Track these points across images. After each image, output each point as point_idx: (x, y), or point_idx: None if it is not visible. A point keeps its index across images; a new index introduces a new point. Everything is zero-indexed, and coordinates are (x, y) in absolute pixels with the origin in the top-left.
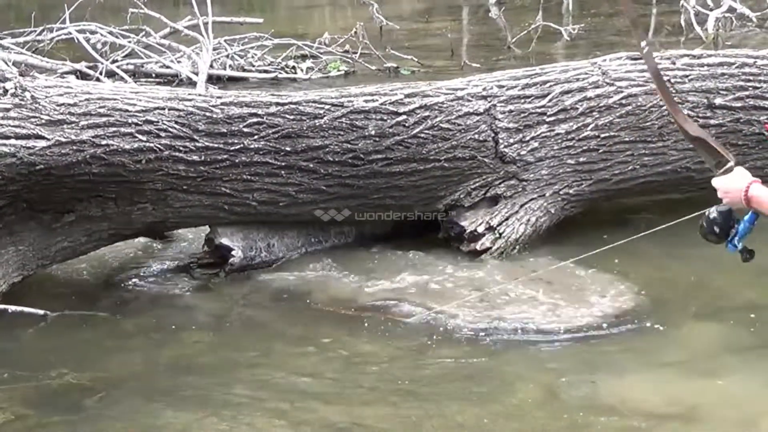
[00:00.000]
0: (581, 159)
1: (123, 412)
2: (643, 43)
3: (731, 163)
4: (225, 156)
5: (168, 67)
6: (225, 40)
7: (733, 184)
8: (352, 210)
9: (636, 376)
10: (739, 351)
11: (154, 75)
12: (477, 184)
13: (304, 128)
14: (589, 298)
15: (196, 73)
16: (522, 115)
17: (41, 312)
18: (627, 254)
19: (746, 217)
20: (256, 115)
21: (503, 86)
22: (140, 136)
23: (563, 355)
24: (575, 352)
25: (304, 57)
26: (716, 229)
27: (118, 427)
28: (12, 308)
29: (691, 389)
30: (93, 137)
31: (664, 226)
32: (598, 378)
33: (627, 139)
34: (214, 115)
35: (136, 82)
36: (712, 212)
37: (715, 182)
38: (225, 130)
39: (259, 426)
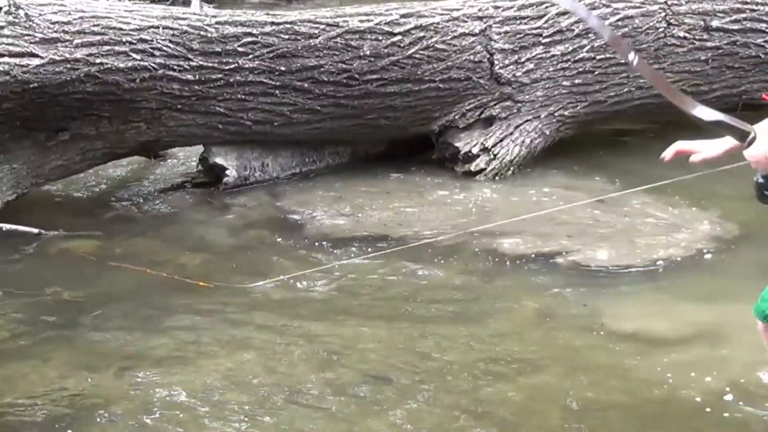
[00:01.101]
0: (576, 81)
1: (117, 330)
2: (631, 56)
3: (752, 134)
4: (219, 75)
5: None
6: None
7: (758, 150)
8: (345, 129)
9: (650, 304)
10: None
11: None
12: (472, 105)
13: (299, 48)
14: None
15: None
16: (517, 36)
17: (35, 230)
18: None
19: None
20: (250, 34)
21: (499, 7)
22: (134, 55)
23: (573, 283)
24: (590, 279)
25: None
26: (766, 192)
27: (113, 345)
28: (6, 226)
29: (710, 316)
30: (87, 56)
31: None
32: (601, 303)
33: (623, 61)
34: (209, 34)
35: (130, 0)
36: (759, 178)
37: (745, 154)
38: (219, 50)
39: (253, 345)
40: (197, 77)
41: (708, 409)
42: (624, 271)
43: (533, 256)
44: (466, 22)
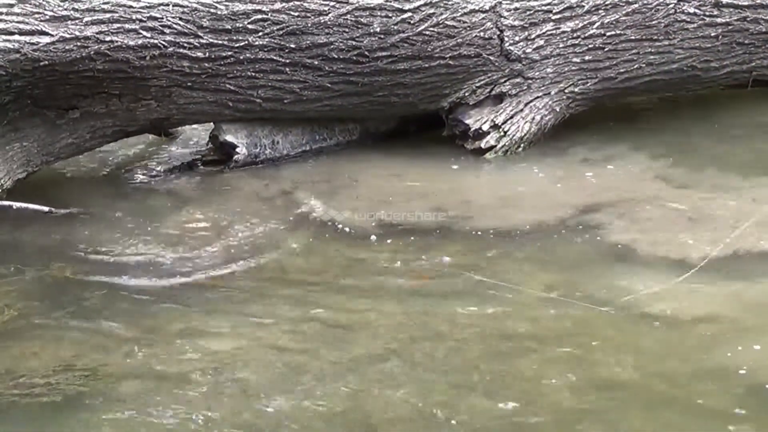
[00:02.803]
0: (587, 57)
1: (125, 308)
2: None
3: None
4: (229, 53)
5: None
6: None
7: None
8: (355, 107)
9: (680, 286)
10: None
11: None
12: (482, 82)
13: (309, 25)
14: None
15: None
16: (528, 12)
17: (45, 208)
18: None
19: None
20: (260, 11)
21: None
22: (144, 33)
23: (597, 259)
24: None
25: None
26: None
27: (122, 323)
28: (17, 204)
29: (753, 300)
30: (97, 33)
31: None
32: (626, 282)
33: (633, 37)
34: (219, 12)
35: None
36: None
37: None
38: (229, 27)
39: (264, 322)
40: (207, 55)
41: (724, 388)
42: (665, 256)
43: (563, 230)
44: None
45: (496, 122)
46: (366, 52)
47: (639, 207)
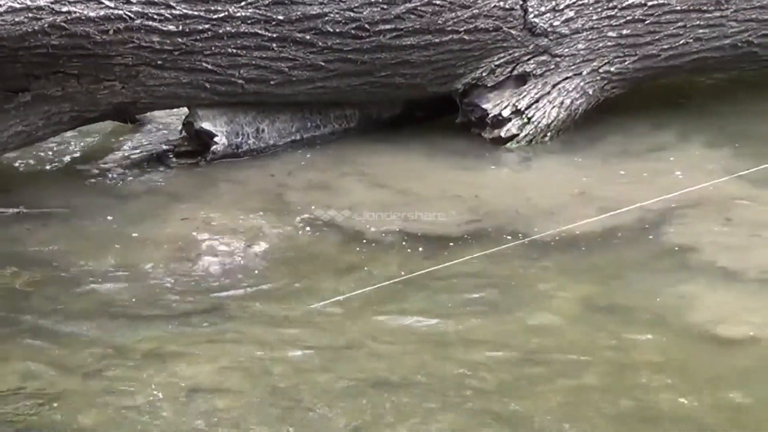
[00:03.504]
0: (625, 31)
1: (85, 324)
2: None
3: None
4: (206, 26)
5: None
6: None
7: None
8: (353, 89)
9: (736, 302)
10: None
11: None
12: (502, 60)
13: None
14: None
15: None
16: None
17: None
18: None
19: None
20: None
21: None
22: (107, 2)
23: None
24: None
25: None
26: None
27: (83, 340)
28: None
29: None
30: (52, 3)
31: None
32: (674, 293)
33: (678, 8)
34: None
35: None
36: None
37: None
38: None
39: (246, 342)
40: (180, 28)
41: None
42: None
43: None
44: None
45: (519, 107)
46: (366, 25)
47: (705, 207)
